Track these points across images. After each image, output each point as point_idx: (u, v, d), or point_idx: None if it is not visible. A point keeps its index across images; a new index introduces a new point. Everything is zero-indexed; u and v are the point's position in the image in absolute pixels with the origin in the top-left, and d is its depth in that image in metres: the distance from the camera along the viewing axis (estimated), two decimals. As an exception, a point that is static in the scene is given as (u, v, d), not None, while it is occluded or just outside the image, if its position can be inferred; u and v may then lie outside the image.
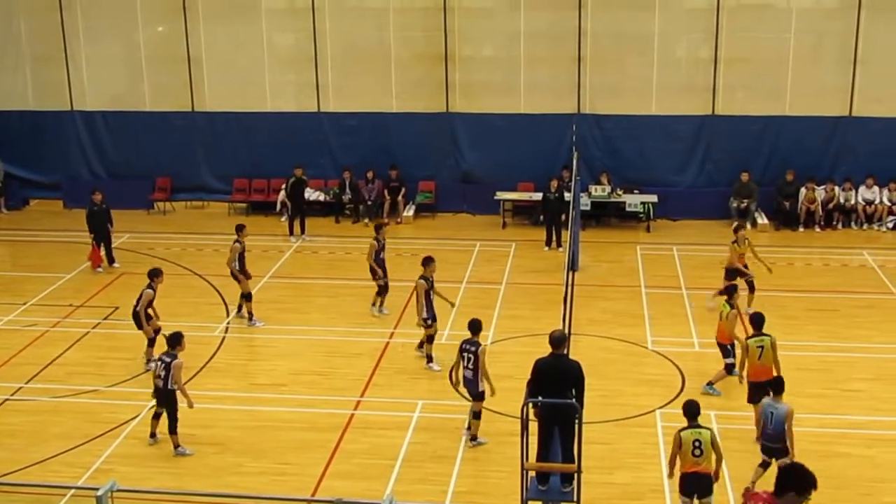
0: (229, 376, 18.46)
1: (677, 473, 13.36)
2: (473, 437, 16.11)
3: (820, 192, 28.18)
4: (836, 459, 15.55)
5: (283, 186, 28.26)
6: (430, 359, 18.92)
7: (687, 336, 20.51)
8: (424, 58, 29.51)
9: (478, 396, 16.01)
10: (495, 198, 28.89)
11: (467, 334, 16.16)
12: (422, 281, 18.87)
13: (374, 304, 21.58)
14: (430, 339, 18.99)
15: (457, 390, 17.15)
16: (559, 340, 13.16)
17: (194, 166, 30.60)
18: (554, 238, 26.33)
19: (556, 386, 12.80)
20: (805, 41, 28.67)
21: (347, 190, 29.28)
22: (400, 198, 29.34)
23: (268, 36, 30.22)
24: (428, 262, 19.13)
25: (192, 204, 30.81)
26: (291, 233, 27.45)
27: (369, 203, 29.03)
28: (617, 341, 20.16)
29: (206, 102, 30.42)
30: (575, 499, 12.30)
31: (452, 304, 20.06)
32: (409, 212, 29.39)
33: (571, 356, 13.56)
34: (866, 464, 15.43)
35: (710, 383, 17.84)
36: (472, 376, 15.94)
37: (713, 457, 13.23)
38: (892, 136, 28.13)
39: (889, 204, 28.16)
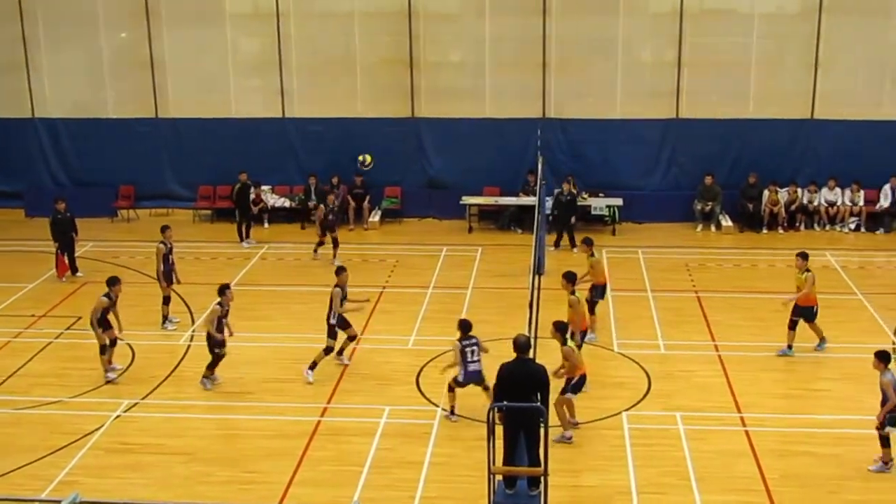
0: (196, 385, 18.34)
1: None
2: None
3: (783, 195, 28.40)
4: (802, 458, 15.66)
5: (230, 192, 28.29)
6: (313, 366, 18.73)
7: (652, 338, 20.59)
8: (390, 63, 29.50)
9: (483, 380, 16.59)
10: (461, 202, 28.91)
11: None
12: (337, 289, 18.75)
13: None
14: (328, 350, 18.86)
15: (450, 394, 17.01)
16: (524, 345, 13.21)
17: (158, 173, 30.41)
18: (566, 240, 26.61)
19: (522, 390, 12.84)
20: (767, 45, 28.96)
21: (313, 196, 29.20)
22: (365, 203, 29.29)
23: (232, 41, 30.13)
24: (340, 271, 19.08)
25: (156, 211, 30.61)
26: (241, 238, 27.38)
27: (335, 209, 28.92)
28: (583, 344, 20.18)
29: (169, 109, 30.26)
30: (542, 502, 12.31)
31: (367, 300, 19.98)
32: (375, 217, 29.35)
33: (538, 360, 13.60)
34: (832, 462, 15.53)
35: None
36: (479, 367, 16.51)
37: None
38: (853, 138, 28.42)
39: (851, 205, 28.42)
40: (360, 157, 23.56)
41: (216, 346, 18.01)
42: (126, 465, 15.74)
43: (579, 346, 17.90)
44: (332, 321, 18.77)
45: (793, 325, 19.51)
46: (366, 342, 20.38)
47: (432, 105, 29.63)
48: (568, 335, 16.32)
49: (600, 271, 20.61)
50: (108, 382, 18.59)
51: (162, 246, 21.28)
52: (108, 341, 18.79)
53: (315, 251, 25.86)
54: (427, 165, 30.00)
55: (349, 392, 18.20)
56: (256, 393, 18.18)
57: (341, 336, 18.99)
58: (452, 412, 16.79)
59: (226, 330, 18.20)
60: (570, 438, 16.05)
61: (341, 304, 18.71)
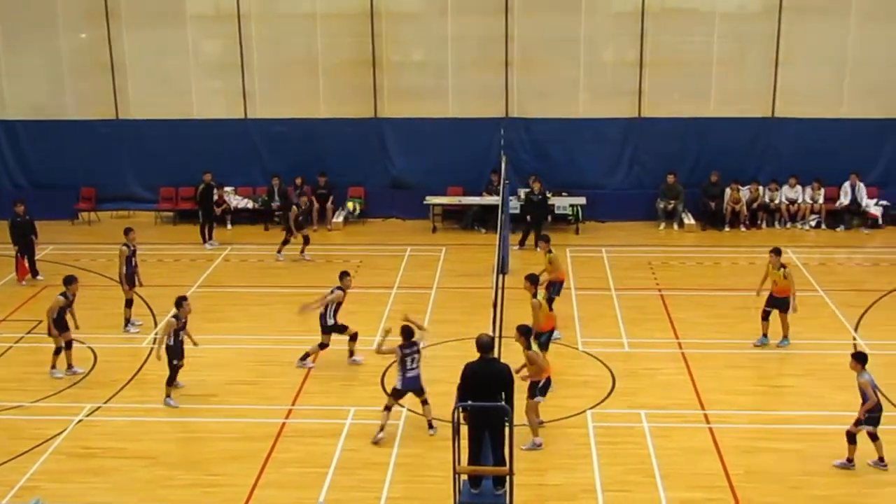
0: (158, 388, 18.16)
1: None
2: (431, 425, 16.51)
3: (744, 193, 28.59)
4: (766, 454, 15.76)
5: (194, 193, 28.11)
6: (306, 356, 19.22)
7: (616, 337, 20.66)
8: (352, 63, 29.44)
9: (422, 390, 16.44)
10: (425, 202, 28.90)
11: (397, 339, 16.15)
12: (339, 293, 18.99)
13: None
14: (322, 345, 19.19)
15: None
16: (486, 344, 13.22)
17: (120, 175, 30.17)
18: (532, 239, 26.37)
19: (487, 389, 12.83)
20: (728, 44, 29.14)
21: (276, 197, 29.09)
22: (329, 204, 29.20)
23: (193, 42, 29.95)
24: (344, 276, 19.30)
25: (117, 214, 30.39)
26: (204, 240, 27.22)
27: (308, 209, 28.84)
28: (549, 344, 20.22)
29: (130, 110, 30.03)
30: (508, 501, 12.31)
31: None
32: (339, 218, 29.27)
33: (503, 359, 13.60)
34: (796, 458, 15.63)
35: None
36: (417, 374, 16.31)
37: None
38: (813, 136, 28.66)
39: (811, 203, 28.66)
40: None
41: (174, 358, 17.69)
42: (88, 469, 15.59)
43: (545, 347, 17.95)
44: (330, 322, 18.83)
45: (766, 316, 19.87)
46: (331, 343, 20.28)
47: (395, 105, 29.60)
48: (532, 338, 16.33)
49: (558, 268, 20.74)
50: (54, 378, 18.61)
51: (125, 248, 21.15)
52: (63, 343, 18.64)
53: (279, 251, 25.77)
54: (390, 166, 29.95)
55: (314, 393, 18.14)
56: (220, 395, 18.07)
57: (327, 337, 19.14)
58: (381, 429, 16.32)
59: (186, 341, 17.94)
60: (540, 445, 16.04)
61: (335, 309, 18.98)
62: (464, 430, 12.56)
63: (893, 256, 26.05)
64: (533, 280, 18.39)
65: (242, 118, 29.88)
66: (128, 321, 21.20)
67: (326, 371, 19.09)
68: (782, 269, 19.79)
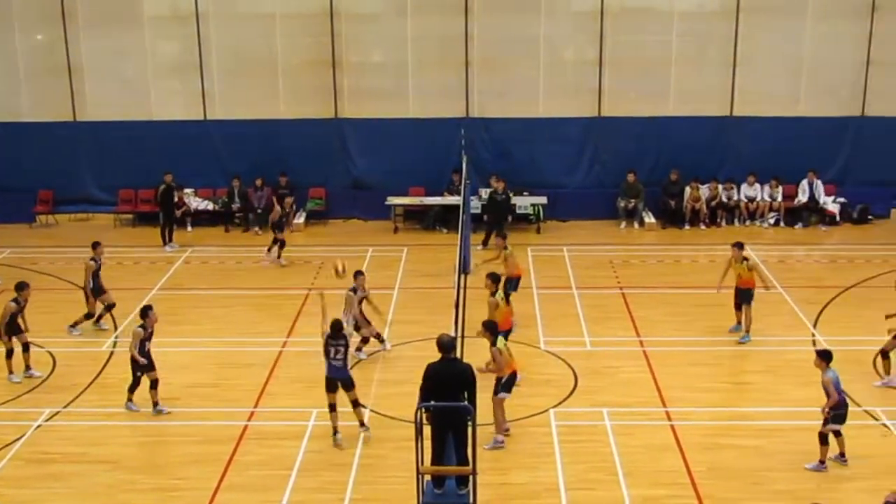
0: (119, 392, 18.01)
1: None
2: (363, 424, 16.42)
3: (704, 191, 28.78)
4: (727, 451, 15.87)
5: (154, 195, 27.91)
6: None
7: (578, 335, 20.73)
8: (312, 64, 29.32)
9: (351, 381, 16.28)
10: (386, 203, 28.87)
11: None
12: (351, 293, 19.03)
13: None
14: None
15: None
16: (447, 344, 13.23)
17: (78, 178, 29.88)
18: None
19: (449, 389, 12.85)
20: (687, 43, 29.33)
21: (237, 198, 28.95)
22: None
23: (151, 43, 29.72)
24: (358, 274, 19.38)
25: (76, 216, 30.10)
26: (165, 242, 27.03)
27: (259, 211, 28.73)
28: (509, 342, 20.19)
29: (88, 112, 29.74)
30: (471, 501, 12.32)
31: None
32: (300, 219, 29.17)
33: (465, 359, 13.60)
34: (756, 454, 15.75)
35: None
36: (342, 364, 16.10)
37: None
38: (771, 134, 28.92)
39: (770, 201, 28.90)
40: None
41: (139, 370, 17.35)
42: (47, 475, 15.44)
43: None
44: (349, 323, 18.74)
45: (738, 307, 20.27)
46: (292, 345, 20.26)
47: (355, 105, 29.54)
48: (499, 335, 16.34)
49: (514, 264, 20.91)
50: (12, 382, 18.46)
51: (92, 263, 20.83)
52: (12, 346, 18.51)
53: (277, 255, 25.47)
54: (351, 166, 29.89)
55: (276, 395, 18.07)
56: (182, 398, 17.95)
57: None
58: (336, 431, 16.22)
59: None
60: (502, 443, 16.06)
61: (358, 307, 19.05)
62: (427, 430, 12.55)
63: (851, 253, 26.31)
64: (495, 279, 18.43)
65: (202, 119, 29.70)
66: (76, 324, 20.96)
67: (289, 373, 19.02)
68: (745, 262, 20.11)
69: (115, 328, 21.21)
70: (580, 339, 20.53)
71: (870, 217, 29.01)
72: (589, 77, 29.20)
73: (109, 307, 21.24)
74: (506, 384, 16.08)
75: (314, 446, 16.15)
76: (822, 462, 15.22)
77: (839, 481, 14.95)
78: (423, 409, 12.36)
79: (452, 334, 13.71)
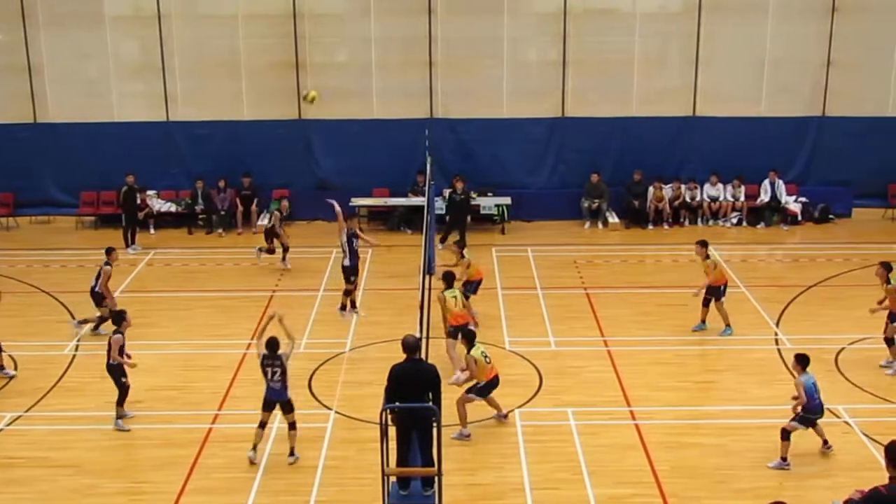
0: (82, 395, 17.94)
1: None
2: (293, 453, 15.82)
3: (667, 191, 28.93)
4: (690, 449, 15.97)
5: (116, 196, 27.70)
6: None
7: (543, 335, 20.78)
8: (276, 65, 29.21)
9: (289, 404, 15.78)
10: (351, 204, 28.77)
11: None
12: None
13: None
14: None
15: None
16: (412, 345, 13.23)
17: (39, 180, 29.58)
18: (457, 237, 26.30)
19: (414, 390, 12.85)
20: (650, 44, 29.48)
21: (200, 200, 28.81)
22: (254, 207, 28.98)
23: (113, 44, 29.47)
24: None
25: (37, 219, 29.83)
26: (127, 244, 26.82)
27: (222, 213, 28.61)
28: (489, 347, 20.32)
29: (49, 113, 29.47)
30: (437, 502, 12.32)
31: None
32: (264, 220, 29.02)
33: (430, 360, 13.61)
34: (719, 452, 15.86)
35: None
36: (280, 387, 15.65)
37: None
38: (733, 134, 29.12)
39: (733, 200, 29.09)
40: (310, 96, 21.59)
41: (124, 376, 16.91)
42: (9, 479, 15.30)
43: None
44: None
45: (706, 303, 20.47)
46: (256, 347, 20.14)
47: (319, 106, 29.39)
48: (476, 342, 16.51)
49: (474, 270, 21.20)
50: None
51: (108, 268, 20.73)
52: None
53: (283, 259, 25.17)
54: (316, 167, 29.81)
55: (241, 398, 17.97)
56: (146, 401, 17.83)
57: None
58: (254, 447, 15.80)
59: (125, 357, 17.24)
60: (468, 436, 16.10)
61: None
62: (392, 431, 12.55)
63: (812, 252, 26.54)
64: (444, 277, 18.86)
65: (164, 120, 29.52)
66: (84, 321, 21.05)
67: (253, 376, 18.89)
68: (708, 259, 20.35)
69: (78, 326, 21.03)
70: (545, 340, 20.59)
71: (831, 216, 29.27)
72: (552, 78, 29.29)
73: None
74: (481, 390, 16.16)
75: (278, 449, 16.07)
76: (783, 459, 15.33)
77: (802, 479, 15.07)
78: (388, 411, 12.34)
79: (417, 335, 13.72)
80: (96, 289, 20.55)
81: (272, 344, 15.63)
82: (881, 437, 14.70)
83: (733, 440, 16.22)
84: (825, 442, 15.64)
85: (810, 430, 15.52)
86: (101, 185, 29.20)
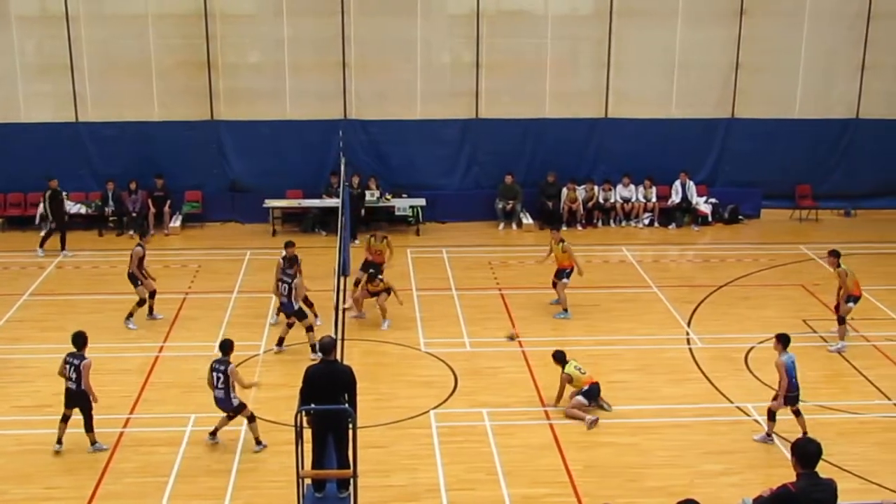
0: (-12, 401, 17.57)
1: None
2: (258, 442, 15.99)
3: (580, 192, 29.20)
4: (602, 449, 16.13)
5: (41, 200, 27.10)
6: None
7: (458, 336, 20.84)
8: (187, 65, 28.86)
9: (237, 409, 15.88)
10: (264, 206, 28.60)
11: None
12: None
13: None
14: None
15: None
16: (328, 346, 13.19)
17: (-57, 182, 28.93)
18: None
19: (329, 392, 12.82)
20: (562, 46, 29.74)
21: (110, 202, 28.35)
22: (166, 208, 28.60)
23: (19, 44, 28.83)
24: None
25: (-59, 221, 29.17)
26: (41, 245, 26.24)
27: (134, 215, 28.20)
28: (390, 344, 20.30)
29: (-49, 115, 28.81)
30: (352, 504, 12.31)
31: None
32: (176, 222, 28.71)
33: (345, 362, 13.57)
34: (631, 451, 16.05)
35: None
36: (223, 395, 15.71)
37: None
38: (644, 136, 29.53)
39: (644, 201, 29.47)
40: None
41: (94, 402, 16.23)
42: (-87, 488, 14.94)
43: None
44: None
45: (554, 285, 22.09)
46: (169, 350, 19.95)
47: (232, 107, 29.17)
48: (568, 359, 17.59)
49: (371, 251, 22.81)
50: None
51: (139, 248, 21.34)
52: None
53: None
54: (228, 169, 29.52)
55: (153, 402, 17.74)
56: (54, 406, 17.38)
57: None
58: (259, 443, 16.01)
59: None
60: (596, 420, 16.95)
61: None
62: (307, 433, 12.48)
63: (723, 252, 26.99)
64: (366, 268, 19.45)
65: (73, 121, 28.99)
66: (132, 315, 21.27)
67: (165, 378, 18.71)
68: (561, 244, 21.82)
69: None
70: (460, 341, 20.64)
71: (740, 217, 29.80)
72: (466, 79, 29.40)
73: (151, 294, 21.58)
74: (586, 393, 17.43)
75: (192, 452, 15.91)
76: (768, 435, 16.00)
77: (712, 477, 15.31)
78: (303, 413, 12.28)
79: (333, 336, 13.67)
80: (130, 272, 21.21)
81: (225, 346, 15.89)
82: (789, 435, 14.98)
83: (645, 439, 16.43)
84: (804, 434, 15.84)
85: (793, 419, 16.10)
86: (7, 188, 28.61)
